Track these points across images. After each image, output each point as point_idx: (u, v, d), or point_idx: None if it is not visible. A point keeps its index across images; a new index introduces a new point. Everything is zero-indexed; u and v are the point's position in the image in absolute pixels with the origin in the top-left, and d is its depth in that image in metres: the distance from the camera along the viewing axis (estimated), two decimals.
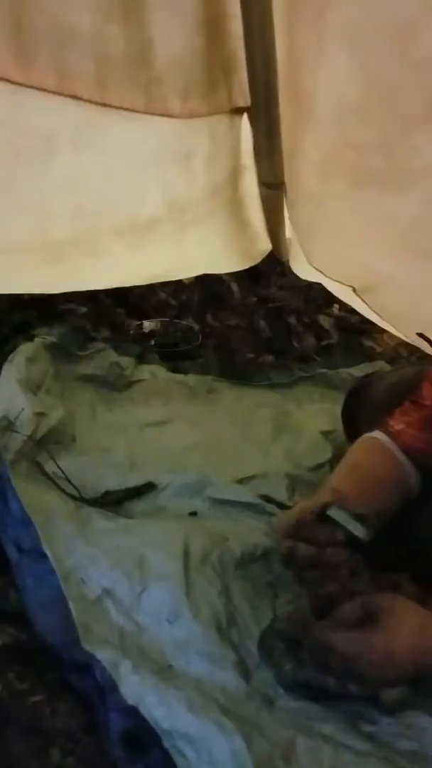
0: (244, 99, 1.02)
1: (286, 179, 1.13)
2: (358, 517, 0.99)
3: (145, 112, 0.87)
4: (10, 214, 1.08)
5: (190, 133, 1.02)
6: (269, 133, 1.02)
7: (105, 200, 1.15)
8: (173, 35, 0.78)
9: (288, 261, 2.12)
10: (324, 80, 0.79)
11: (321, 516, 1.02)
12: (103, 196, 1.14)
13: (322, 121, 0.84)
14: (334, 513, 1.01)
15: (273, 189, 1.17)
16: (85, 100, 0.83)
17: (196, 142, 1.05)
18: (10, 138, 0.90)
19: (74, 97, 0.82)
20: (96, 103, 0.83)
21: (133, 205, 1.19)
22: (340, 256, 1.35)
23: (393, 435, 1.18)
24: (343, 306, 2.44)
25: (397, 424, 1.19)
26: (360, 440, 1.23)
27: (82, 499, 1.28)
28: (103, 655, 0.88)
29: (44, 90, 0.80)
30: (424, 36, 0.67)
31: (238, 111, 1.07)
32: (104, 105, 0.84)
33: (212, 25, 0.82)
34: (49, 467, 1.33)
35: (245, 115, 1.10)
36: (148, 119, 0.90)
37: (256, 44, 0.80)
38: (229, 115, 1.04)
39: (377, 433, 1.21)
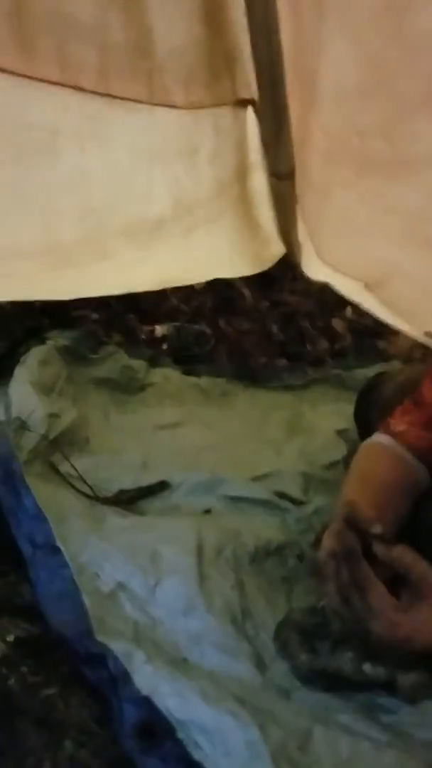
0: (248, 90, 1.02)
1: (296, 169, 1.13)
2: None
3: (149, 102, 0.88)
4: (15, 216, 1.08)
5: (194, 126, 1.02)
6: (277, 122, 1.02)
7: (112, 199, 1.15)
8: (173, 23, 0.78)
9: (300, 264, 2.12)
10: (325, 62, 0.78)
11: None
12: (110, 195, 1.14)
13: (327, 104, 0.84)
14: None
15: (283, 179, 1.17)
16: (89, 91, 0.83)
17: (200, 135, 1.05)
18: (13, 135, 0.90)
19: (78, 88, 0.83)
20: (99, 94, 0.84)
21: (140, 204, 1.19)
22: (349, 248, 1.35)
23: (396, 436, 1.17)
24: (356, 309, 2.43)
25: (399, 424, 1.18)
26: (364, 447, 1.22)
27: (96, 498, 1.28)
28: (117, 646, 0.87)
29: (47, 81, 0.80)
30: (421, 15, 0.67)
31: (242, 103, 1.07)
32: (108, 96, 0.84)
33: (213, 13, 0.82)
34: (63, 467, 1.34)
35: (250, 108, 1.10)
36: (152, 111, 0.91)
37: (260, 28, 0.80)
38: (233, 108, 1.04)
39: (381, 437, 1.19)
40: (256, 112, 1.10)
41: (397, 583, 0.89)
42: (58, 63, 0.79)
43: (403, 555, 0.89)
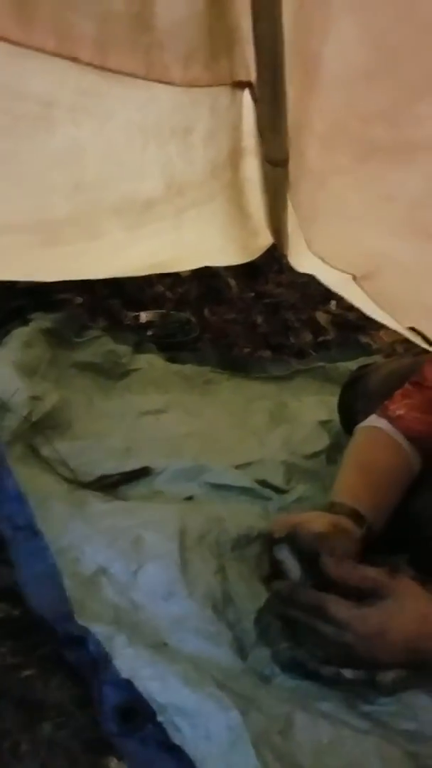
0: (246, 72, 1.01)
1: (291, 156, 1.12)
2: (305, 557, 0.94)
3: (146, 78, 0.86)
4: (4, 188, 1.05)
5: (190, 106, 1.00)
6: (275, 107, 1.00)
7: (104, 176, 1.13)
8: None
9: (287, 256, 2.11)
10: (330, 43, 0.77)
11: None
12: (102, 171, 1.11)
13: (328, 87, 0.83)
14: (282, 554, 0.96)
15: (277, 166, 1.15)
16: (86, 64, 0.81)
17: (196, 115, 1.03)
18: (6, 105, 0.87)
19: (74, 59, 0.80)
20: (96, 67, 0.81)
21: (132, 182, 1.17)
22: (341, 238, 1.34)
23: (394, 420, 1.17)
24: (340, 303, 2.44)
25: (398, 408, 1.18)
26: (362, 430, 1.21)
27: (77, 482, 1.26)
28: (98, 629, 0.86)
29: (43, 51, 0.78)
30: None
31: (239, 86, 1.05)
32: (104, 69, 0.82)
33: None
34: (45, 450, 1.32)
35: (247, 91, 1.09)
36: (148, 87, 0.89)
37: (262, 9, 0.79)
38: (230, 89, 1.02)
39: (377, 421, 1.19)
40: (253, 95, 1.09)
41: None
42: (54, 33, 0.77)
43: (350, 570, 0.89)
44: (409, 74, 0.76)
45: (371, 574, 0.88)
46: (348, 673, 0.87)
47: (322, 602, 0.86)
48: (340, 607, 0.85)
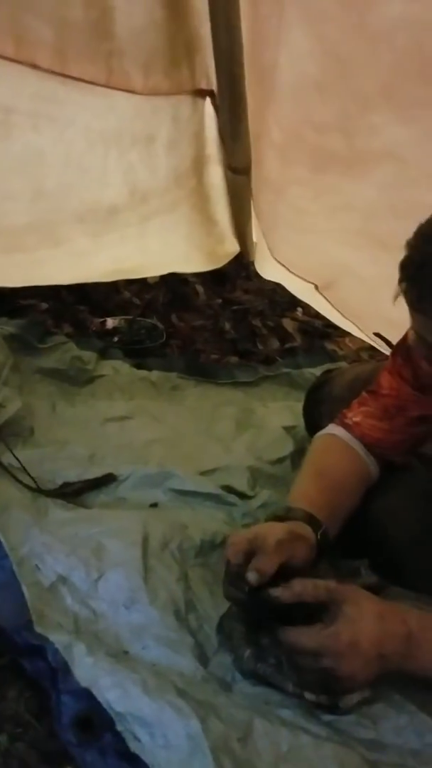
0: (207, 81, 1.02)
1: (253, 165, 1.13)
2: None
3: (106, 86, 0.86)
4: None
5: (152, 114, 1.01)
6: (235, 115, 1.01)
7: (65, 183, 1.13)
8: (134, 5, 0.77)
9: (254, 263, 2.13)
10: (284, 56, 0.78)
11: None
12: (63, 179, 1.12)
13: (284, 98, 0.84)
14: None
15: (240, 174, 1.16)
16: (45, 70, 0.81)
17: (158, 124, 1.04)
18: None
19: (33, 65, 0.81)
20: (55, 74, 0.82)
21: (94, 189, 1.17)
22: (301, 247, 1.36)
23: (350, 427, 1.18)
24: (307, 310, 2.46)
25: (355, 415, 1.19)
26: (319, 439, 1.22)
27: (39, 490, 1.25)
28: (57, 638, 0.85)
29: (2, 57, 0.78)
30: (381, 7, 0.67)
31: (200, 94, 1.06)
32: (64, 76, 0.83)
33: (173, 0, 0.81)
34: (5, 458, 1.30)
35: (208, 100, 1.10)
36: (108, 94, 0.89)
37: (220, 18, 0.80)
38: (191, 97, 1.04)
39: (334, 428, 1.20)
40: (214, 104, 1.10)
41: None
42: (13, 38, 0.77)
43: (301, 589, 0.88)
44: (361, 85, 0.78)
45: (321, 584, 0.88)
46: (310, 697, 0.87)
47: (288, 639, 0.86)
48: (307, 636, 0.85)
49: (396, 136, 0.88)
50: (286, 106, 0.84)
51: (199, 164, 1.26)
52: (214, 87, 1.06)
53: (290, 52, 0.75)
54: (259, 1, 0.75)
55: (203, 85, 1.02)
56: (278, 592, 0.87)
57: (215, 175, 1.34)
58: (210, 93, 1.06)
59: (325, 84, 0.78)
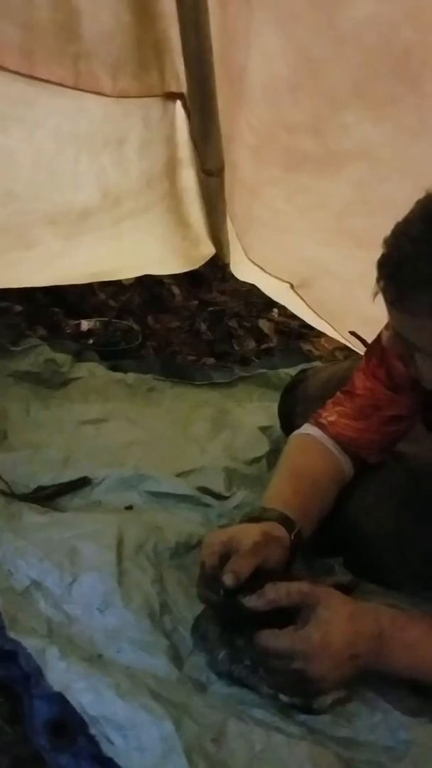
0: (177, 84, 1.02)
1: (225, 167, 1.13)
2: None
3: (75, 88, 0.86)
4: None
5: (122, 117, 1.01)
6: (206, 117, 1.01)
7: (36, 185, 1.12)
8: (101, 8, 0.77)
9: (229, 264, 2.13)
10: (254, 57, 0.79)
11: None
12: (34, 181, 1.11)
13: (255, 99, 0.85)
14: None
15: (213, 176, 1.16)
16: (12, 72, 0.81)
17: (128, 125, 1.04)
18: None
19: (0, 67, 0.80)
20: (23, 75, 0.81)
21: (66, 192, 1.17)
22: (276, 247, 1.36)
23: (325, 426, 1.19)
24: (283, 311, 2.47)
25: (330, 415, 1.20)
26: (293, 439, 1.23)
27: (12, 495, 1.24)
28: (30, 642, 0.85)
29: None
30: (350, 6, 0.68)
31: (171, 97, 1.06)
32: (31, 77, 0.82)
33: (141, 1, 0.81)
34: None
35: (179, 103, 1.10)
36: (78, 96, 0.89)
37: (188, 20, 0.80)
38: (162, 100, 1.03)
39: (309, 428, 1.21)
40: (185, 106, 1.10)
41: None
42: None
43: (274, 595, 0.88)
44: (332, 85, 0.78)
45: (295, 588, 0.88)
46: (284, 698, 0.87)
47: (260, 642, 0.86)
48: (279, 639, 0.85)
49: (368, 135, 0.89)
50: (257, 107, 0.85)
51: (171, 167, 1.26)
52: (185, 89, 1.06)
53: (260, 53, 0.76)
54: (228, 3, 0.76)
55: (173, 88, 1.01)
56: (252, 602, 0.88)
57: (188, 178, 1.34)
58: (180, 96, 1.05)
59: (297, 84, 0.78)
